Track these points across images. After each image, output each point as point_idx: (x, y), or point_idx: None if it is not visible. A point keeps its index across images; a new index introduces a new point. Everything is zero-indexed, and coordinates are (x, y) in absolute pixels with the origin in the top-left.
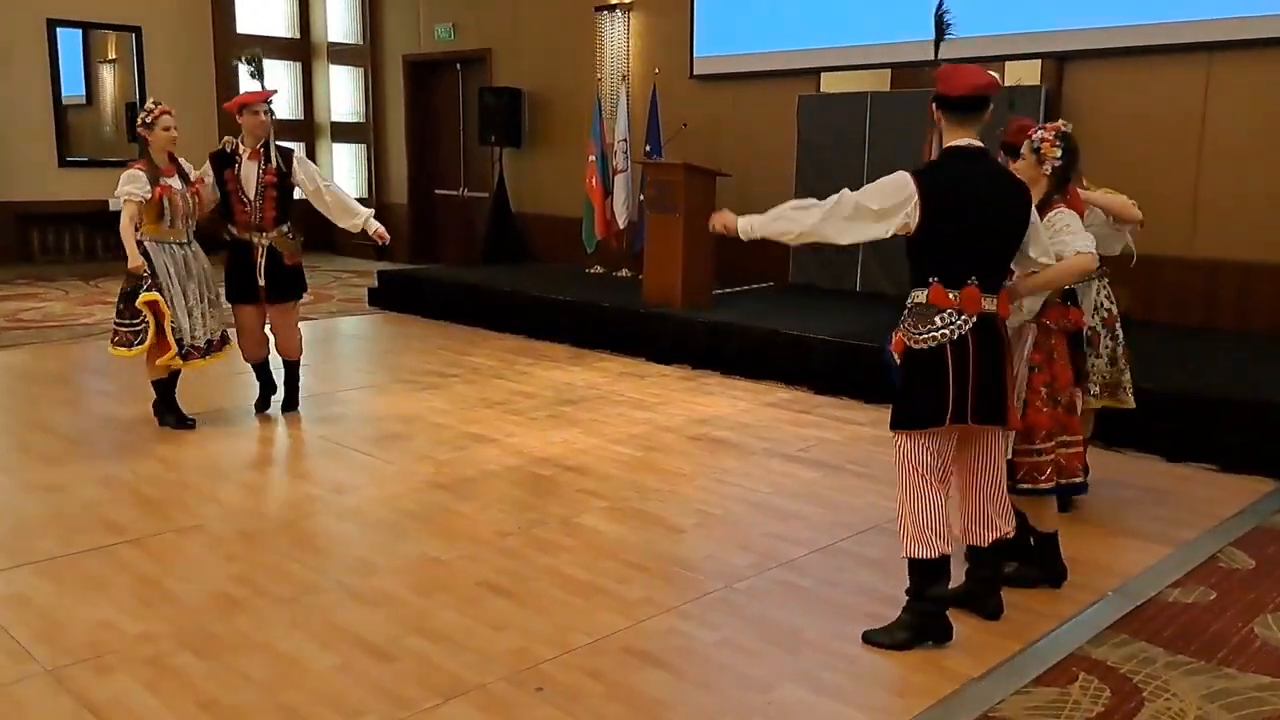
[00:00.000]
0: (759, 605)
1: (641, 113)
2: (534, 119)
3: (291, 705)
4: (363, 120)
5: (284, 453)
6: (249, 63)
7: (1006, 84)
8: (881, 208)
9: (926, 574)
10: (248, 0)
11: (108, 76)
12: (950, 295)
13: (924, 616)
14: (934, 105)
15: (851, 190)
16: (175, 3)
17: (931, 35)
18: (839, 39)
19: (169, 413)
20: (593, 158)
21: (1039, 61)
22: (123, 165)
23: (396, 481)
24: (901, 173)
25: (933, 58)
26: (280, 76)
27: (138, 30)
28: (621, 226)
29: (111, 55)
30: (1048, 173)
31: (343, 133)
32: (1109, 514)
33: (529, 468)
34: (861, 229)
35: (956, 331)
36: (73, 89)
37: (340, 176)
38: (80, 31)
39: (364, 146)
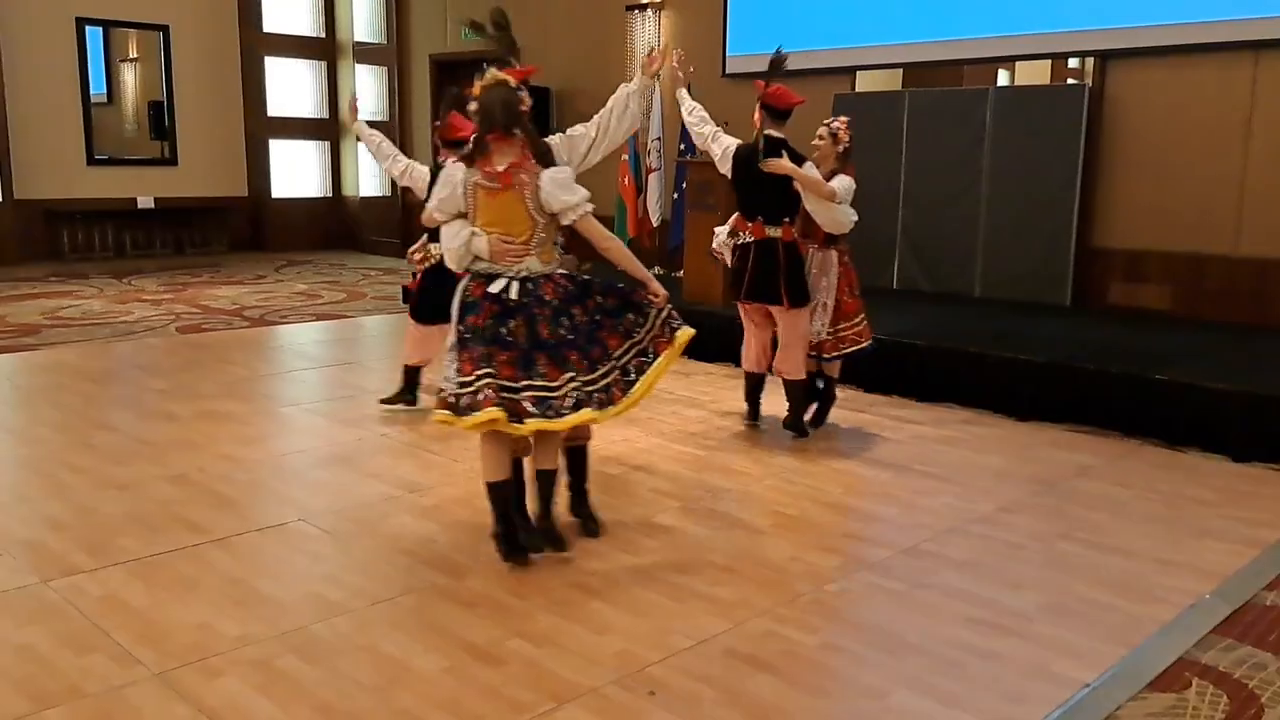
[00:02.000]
0: (854, 608)
1: (674, 112)
2: (563, 118)
3: (408, 710)
4: (387, 119)
5: (351, 451)
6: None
7: (1051, 82)
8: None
9: None
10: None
11: (129, 75)
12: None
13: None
14: (761, 109)
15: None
16: (203, 1)
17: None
18: (873, 38)
19: None
20: (625, 156)
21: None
22: (147, 164)
23: (468, 480)
24: (734, 140)
25: (764, 84)
26: (304, 75)
27: (165, 29)
28: (655, 225)
29: (133, 54)
30: (840, 151)
31: None
32: (1189, 515)
33: (596, 467)
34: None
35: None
36: (95, 87)
37: (364, 176)
38: (101, 30)
39: None
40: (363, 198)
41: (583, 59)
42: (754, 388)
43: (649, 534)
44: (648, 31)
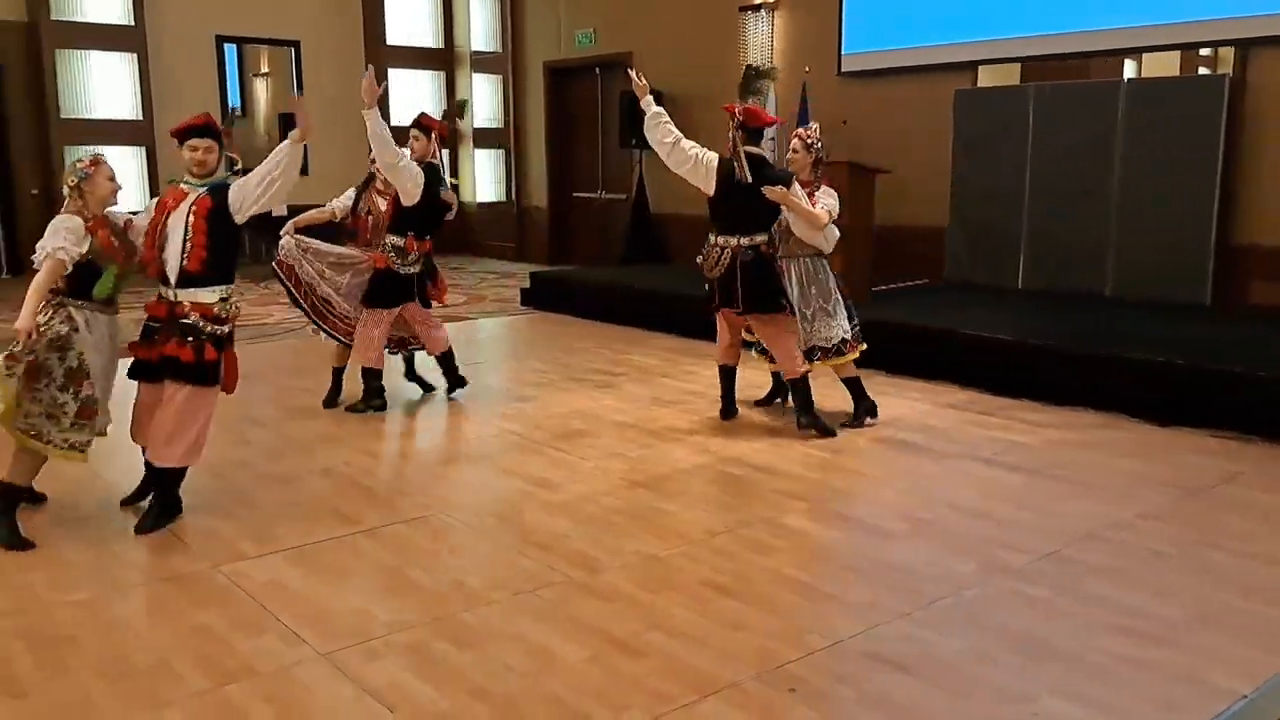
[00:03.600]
0: (994, 613)
1: (787, 112)
2: (675, 121)
3: (558, 696)
4: (503, 126)
5: (482, 448)
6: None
7: (1181, 73)
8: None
9: None
10: (397, 13)
11: (261, 89)
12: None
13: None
14: (739, 129)
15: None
16: (331, 17)
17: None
18: (994, 31)
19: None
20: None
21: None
22: None
23: (596, 478)
24: (714, 153)
25: (733, 107)
26: (425, 85)
27: (296, 44)
28: None
29: (265, 68)
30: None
31: (484, 139)
32: None
33: (719, 466)
34: (679, 166)
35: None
36: (231, 101)
37: (482, 181)
38: (236, 47)
39: (504, 152)
40: (480, 203)
41: (695, 62)
42: (726, 380)
43: (777, 534)
44: (761, 32)
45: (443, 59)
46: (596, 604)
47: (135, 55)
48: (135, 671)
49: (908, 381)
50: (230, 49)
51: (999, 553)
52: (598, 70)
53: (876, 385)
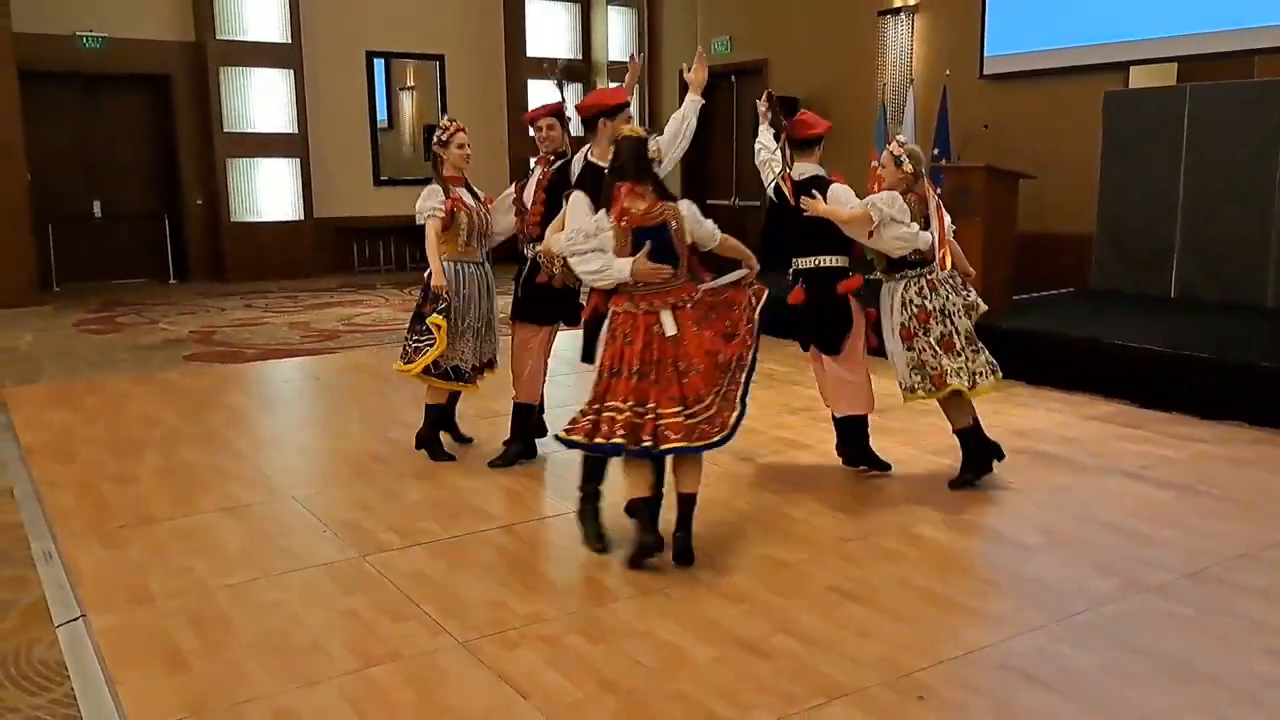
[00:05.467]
0: (1135, 631)
1: (927, 116)
2: None
3: (685, 693)
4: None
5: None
6: (558, 75)
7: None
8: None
9: None
10: (538, 26)
11: (406, 102)
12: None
13: None
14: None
15: None
16: (475, 32)
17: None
18: (1148, 30)
19: (434, 442)
20: (875, 163)
21: None
22: (422, 183)
23: (724, 483)
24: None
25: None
26: (566, 96)
27: (441, 58)
28: None
29: (410, 82)
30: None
31: None
32: None
33: (848, 474)
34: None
35: None
36: (379, 114)
37: None
38: (383, 61)
39: None
40: None
41: (833, 66)
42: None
43: (908, 543)
44: (900, 36)
45: (581, 71)
46: (724, 605)
47: (292, 71)
48: (289, 650)
49: (1049, 392)
50: (379, 63)
51: (1141, 569)
52: (733, 78)
53: (1016, 397)
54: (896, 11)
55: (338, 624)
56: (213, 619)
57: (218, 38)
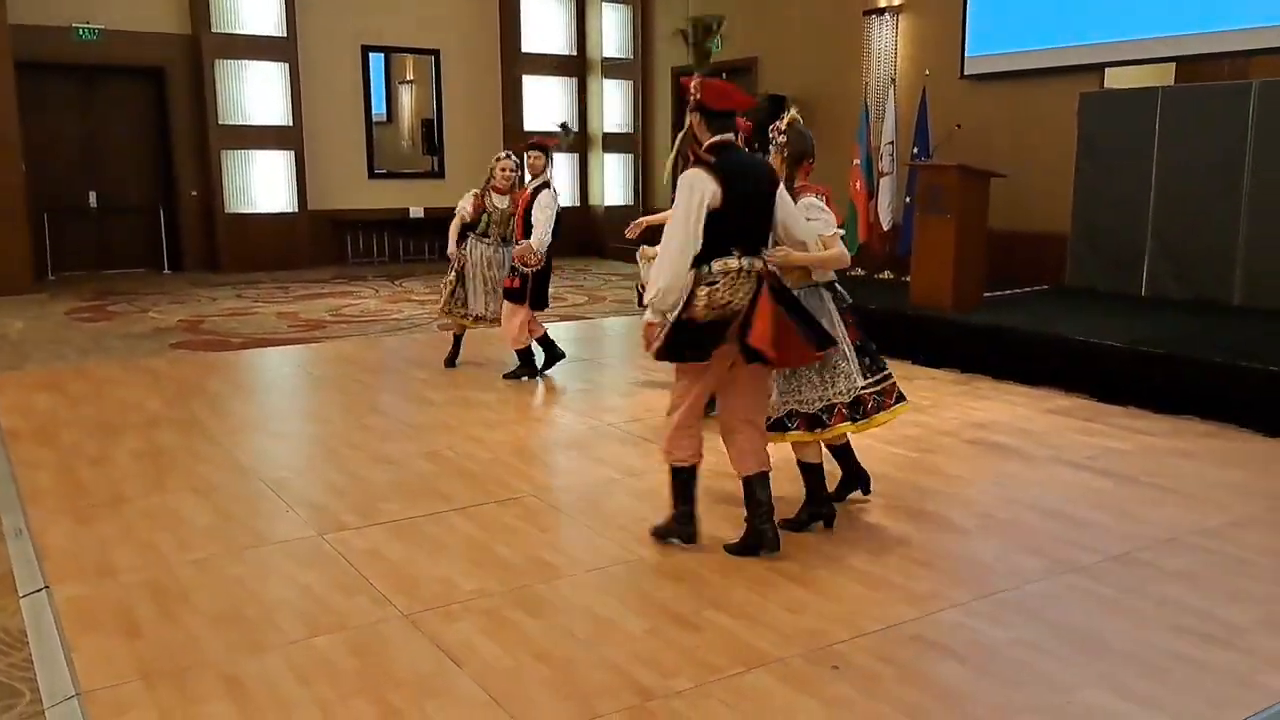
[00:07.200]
0: (1054, 608)
1: (909, 115)
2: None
3: (613, 661)
4: (631, 131)
5: (581, 438)
6: (563, 133)
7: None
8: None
9: None
10: (532, 22)
11: (405, 96)
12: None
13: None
14: (695, 111)
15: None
16: (471, 26)
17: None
18: (1123, 33)
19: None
20: (857, 161)
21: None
22: (420, 176)
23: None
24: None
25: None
26: (557, 91)
27: (436, 53)
28: (886, 229)
29: (409, 76)
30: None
31: (613, 143)
32: None
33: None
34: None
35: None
36: (376, 108)
37: (610, 185)
38: (383, 56)
39: (632, 156)
40: (608, 206)
41: (820, 65)
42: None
43: (851, 528)
44: (885, 36)
45: (575, 66)
46: (663, 582)
47: (287, 65)
48: (241, 621)
49: (1012, 386)
50: (376, 58)
51: (1070, 551)
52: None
53: (979, 390)
54: (881, 11)
55: (291, 598)
56: (172, 591)
57: (213, 30)
